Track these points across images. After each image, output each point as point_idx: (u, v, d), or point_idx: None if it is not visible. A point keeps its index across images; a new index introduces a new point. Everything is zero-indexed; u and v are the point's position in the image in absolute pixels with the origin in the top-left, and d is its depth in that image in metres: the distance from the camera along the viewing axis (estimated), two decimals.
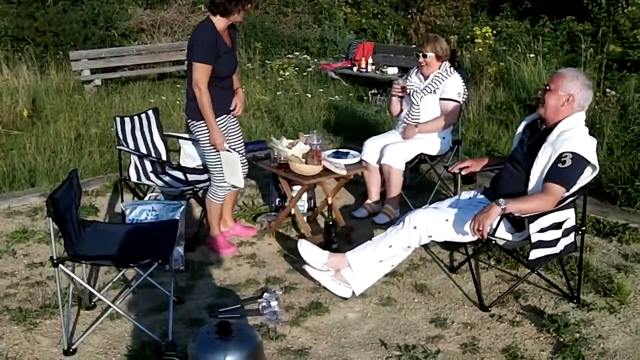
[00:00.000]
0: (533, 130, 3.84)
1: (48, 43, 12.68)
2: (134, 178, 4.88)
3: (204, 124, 4.30)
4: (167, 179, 4.94)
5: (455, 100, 5.13)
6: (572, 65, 7.80)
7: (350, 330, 3.56)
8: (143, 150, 4.98)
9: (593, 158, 3.50)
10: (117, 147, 4.95)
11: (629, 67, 7.81)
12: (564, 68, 3.74)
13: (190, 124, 4.41)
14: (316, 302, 3.85)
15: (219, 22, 4.25)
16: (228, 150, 4.35)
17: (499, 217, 3.46)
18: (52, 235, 3.24)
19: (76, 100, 9.90)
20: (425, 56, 5.13)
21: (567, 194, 3.51)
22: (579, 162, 3.46)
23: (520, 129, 3.98)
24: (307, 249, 3.94)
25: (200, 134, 4.37)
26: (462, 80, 5.23)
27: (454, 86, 5.14)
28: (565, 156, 3.45)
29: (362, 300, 3.87)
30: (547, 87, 3.64)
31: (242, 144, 4.70)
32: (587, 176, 3.56)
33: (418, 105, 5.17)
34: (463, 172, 4.15)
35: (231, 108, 4.53)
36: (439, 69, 5.18)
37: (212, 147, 4.36)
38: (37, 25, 12.71)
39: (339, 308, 3.80)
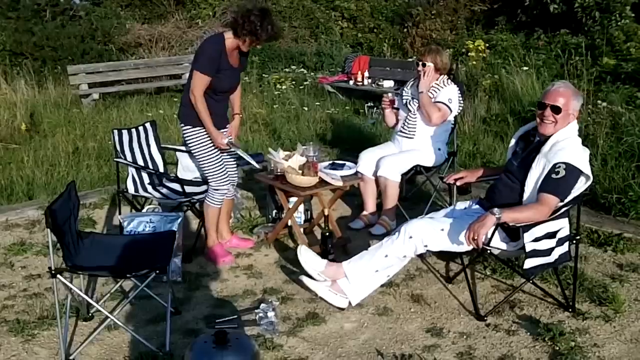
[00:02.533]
0: (526, 142, 3.88)
1: (46, 57, 12.77)
2: (131, 190, 4.90)
3: (192, 129, 4.43)
4: (164, 191, 4.96)
5: (445, 104, 5.16)
6: (565, 78, 7.87)
7: (346, 340, 3.58)
8: (141, 162, 5.01)
9: (586, 168, 3.54)
10: (115, 159, 4.98)
11: (623, 79, 7.88)
12: (559, 83, 3.74)
13: (180, 128, 4.53)
14: (313, 313, 3.87)
15: (229, 40, 4.33)
16: (229, 145, 4.51)
17: (493, 227, 3.50)
18: (50, 246, 3.26)
19: (74, 114, 9.94)
20: (424, 65, 5.18)
21: (561, 203, 3.55)
22: (573, 173, 3.50)
23: (513, 140, 4.02)
24: (306, 256, 3.98)
25: (188, 138, 4.47)
26: (459, 93, 5.27)
27: (446, 93, 5.18)
28: (559, 167, 3.49)
29: (358, 310, 3.89)
30: (556, 108, 3.60)
31: (234, 157, 4.78)
32: (580, 186, 3.60)
33: (414, 114, 5.21)
34: (458, 183, 4.19)
35: (225, 131, 4.64)
36: (437, 80, 5.23)
37: (201, 151, 4.47)
38: (35, 40, 12.80)
39: (335, 318, 3.82)
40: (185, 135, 4.50)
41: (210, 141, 4.46)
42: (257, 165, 4.71)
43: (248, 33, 4.24)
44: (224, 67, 4.35)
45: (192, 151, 4.54)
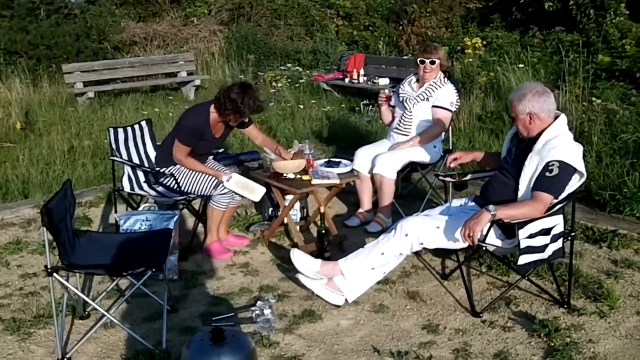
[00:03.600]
0: (520, 140, 3.88)
1: (41, 56, 12.73)
2: (127, 188, 4.90)
3: (168, 170, 4.70)
4: (160, 189, 4.96)
5: (448, 109, 5.20)
6: (560, 75, 7.90)
7: (343, 337, 3.59)
8: (136, 160, 5.00)
9: (580, 165, 3.55)
10: (111, 157, 4.97)
11: (617, 76, 7.90)
12: (513, 92, 3.83)
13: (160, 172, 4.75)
14: (309, 310, 3.88)
15: (214, 114, 4.56)
16: (230, 176, 4.61)
17: (489, 224, 3.51)
18: (46, 245, 3.26)
19: (69, 112, 9.93)
20: (433, 62, 5.18)
21: (556, 201, 3.56)
22: (566, 170, 3.51)
23: (508, 138, 4.03)
24: (300, 258, 3.97)
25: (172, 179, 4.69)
26: (455, 90, 5.29)
27: (447, 95, 5.20)
28: (553, 165, 3.50)
29: (354, 308, 3.90)
30: (510, 117, 3.77)
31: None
32: (574, 183, 3.61)
33: (410, 112, 5.22)
34: (452, 165, 4.16)
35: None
36: (434, 78, 5.24)
37: (189, 182, 4.65)
38: (30, 39, 12.76)
39: (331, 315, 3.83)
40: (167, 179, 4.72)
41: (187, 170, 4.63)
42: (253, 199, 4.71)
43: (232, 112, 4.45)
44: (206, 138, 4.61)
45: (184, 187, 4.67)
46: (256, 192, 4.65)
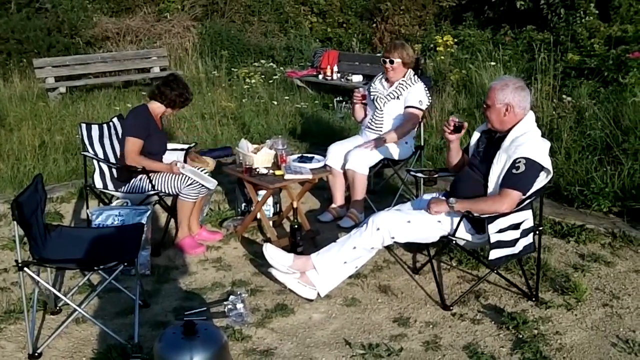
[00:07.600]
0: (488, 136, 3.94)
1: (11, 50, 12.55)
2: (99, 185, 4.83)
3: (132, 185, 4.75)
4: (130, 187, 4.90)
5: (417, 108, 5.24)
6: (531, 73, 8.00)
7: (315, 331, 3.62)
8: (111, 157, 4.92)
9: (546, 162, 3.61)
10: (82, 152, 4.92)
11: (586, 74, 8.02)
12: (496, 79, 3.86)
13: (124, 188, 4.79)
14: (282, 304, 3.90)
15: (155, 107, 4.84)
16: (183, 165, 4.78)
17: (459, 218, 3.56)
18: (17, 239, 3.23)
19: (40, 107, 9.81)
20: (392, 62, 5.22)
21: (524, 197, 3.62)
22: (533, 167, 3.57)
23: (476, 134, 4.08)
24: (273, 253, 3.98)
25: (139, 187, 4.73)
26: (426, 88, 5.34)
27: (416, 94, 5.24)
28: (519, 162, 3.56)
29: (327, 301, 3.93)
30: (485, 104, 3.78)
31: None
32: (542, 179, 3.67)
33: (382, 111, 5.26)
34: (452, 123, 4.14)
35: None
36: (404, 76, 5.28)
37: (159, 179, 4.69)
38: (0, 33, 12.56)
39: (304, 309, 3.85)
40: (134, 187, 4.75)
41: (148, 178, 4.66)
42: (208, 186, 4.79)
43: (180, 100, 4.83)
44: (153, 129, 4.77)
45: (159, 191, 4.70)
46: (209, 181, 4.80)
